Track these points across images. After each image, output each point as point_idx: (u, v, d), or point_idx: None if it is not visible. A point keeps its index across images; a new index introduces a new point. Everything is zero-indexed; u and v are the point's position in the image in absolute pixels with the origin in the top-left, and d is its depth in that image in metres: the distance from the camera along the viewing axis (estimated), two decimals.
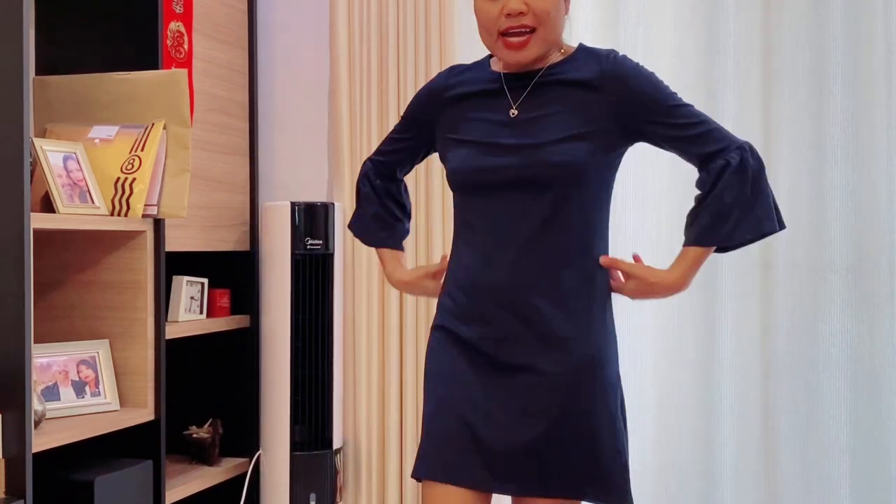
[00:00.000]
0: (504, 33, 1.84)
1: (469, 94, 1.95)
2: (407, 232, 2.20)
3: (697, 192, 1.91)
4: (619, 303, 3.05)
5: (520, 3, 1.81)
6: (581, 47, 1.94)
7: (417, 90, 2.11)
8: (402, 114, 2.13)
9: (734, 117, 2.99)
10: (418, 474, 1.92)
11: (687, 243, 1.90)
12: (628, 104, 1.87)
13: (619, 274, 1.92)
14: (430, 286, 2.11)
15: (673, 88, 1.82)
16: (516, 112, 1.89)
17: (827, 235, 2.93)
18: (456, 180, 1.93)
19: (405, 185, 2.20)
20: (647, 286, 1.91)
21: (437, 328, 1.98)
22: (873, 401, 2.91)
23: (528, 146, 1.85)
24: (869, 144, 2.90)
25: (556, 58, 1.91)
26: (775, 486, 2.99)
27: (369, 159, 2.17)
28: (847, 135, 2.91)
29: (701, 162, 1.89)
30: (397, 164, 2.14)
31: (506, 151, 1.86)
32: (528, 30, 1.83)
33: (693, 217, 1.90)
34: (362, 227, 2.19)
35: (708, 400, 3.02)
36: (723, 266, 3.00)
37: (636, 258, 1.94)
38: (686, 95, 2.97)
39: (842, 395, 2.93)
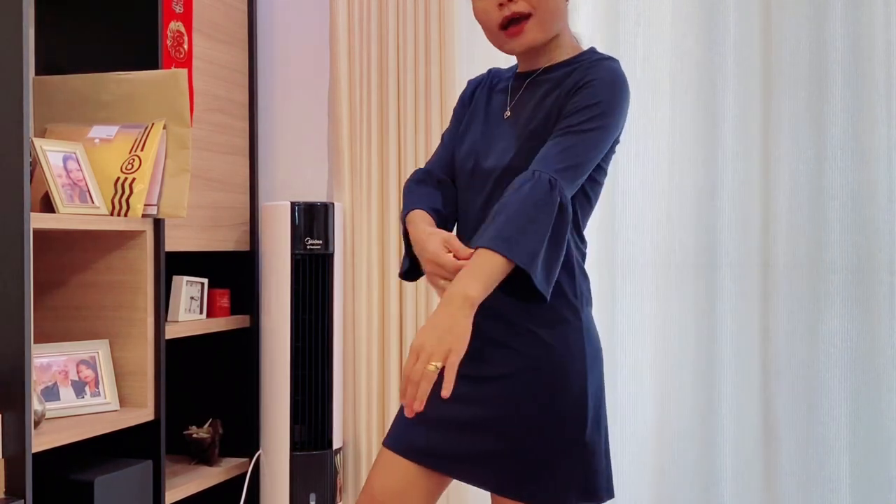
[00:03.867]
0: (502, 26, 1.82)
1: (493, 92, 1.96)
2: (446, 206, 1.93)
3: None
4: (618, 303, 3.07)
5: None
6: (591, 50, 1.89)
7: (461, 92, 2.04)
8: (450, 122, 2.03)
9: (734, 117, 2.99)
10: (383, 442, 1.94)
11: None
12: (570, 100, 1.78)
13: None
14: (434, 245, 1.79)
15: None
16: (509, 113, 1.89)
17: (827, 235, 2.93)
18: (457, 174, 1.95)
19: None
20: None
21: None
22: (873, 401, 2.91)
23: (506, 148, 1.84)
24: (869, 144, 2.90)
25: (560, 56, 1.88)
26: (775, 486, 2.99)
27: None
28: (847, 135, 2.91)
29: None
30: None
31: (487, 152, 1.87)
32: (523, 16, 1.80)
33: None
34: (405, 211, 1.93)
35: (708, 400, 3.02)
36: (723, 266, 3.00)
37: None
38: (686, 95, 3.02)
39: (842, 395, 2.93)
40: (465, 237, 1.86)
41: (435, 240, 1.77)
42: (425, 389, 1.59)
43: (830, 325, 2.94)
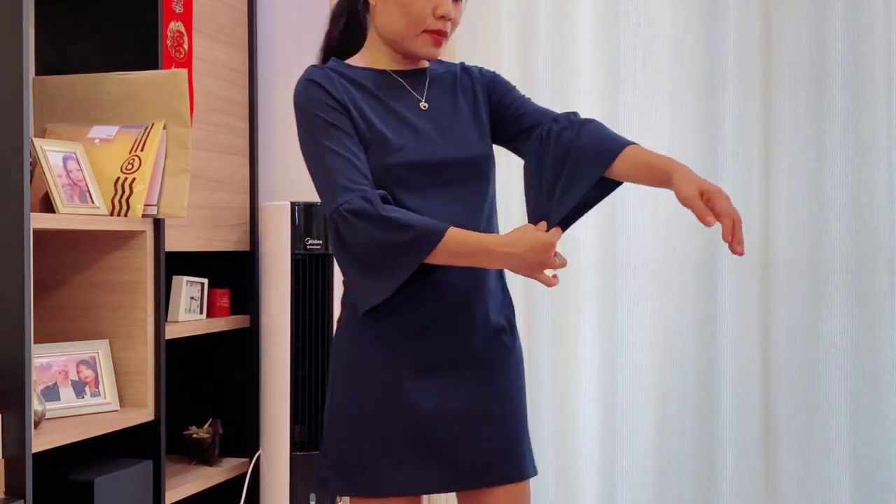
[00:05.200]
0: (428, 30, 1.90)
1: (363, 91, 1.92)
2: None
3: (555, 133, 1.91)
4: (618, 303, 3.07)
5: (452, 10, 1.89)
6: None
7: (302, 96, 1.98)
8: (325, 130, 1.92)
9: (734, 117, 2.99)
10: (338, 490, 1.90)
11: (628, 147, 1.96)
12: (497, 98, 1.99)
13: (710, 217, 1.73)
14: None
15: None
16: (426, 105, 1.93)
17: (827, 235, 2.93)
18: (394, 173, 1.85)
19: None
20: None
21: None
22: (873, 401, 2.91)
23: (468, 139, 1.92)
24: (869, 145, 2.90)
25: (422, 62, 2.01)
26: (775, 486, 2.99)
27: (354, 200, 1.80)
28: (847, 135, 2.91)
29: (554, 118, 1.94)
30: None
31: (431, 143, 1.88)
32: (445, 35, 1.92)
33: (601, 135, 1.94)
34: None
35: (708, 400, 3.02)
36: (723, 266, 3.00)
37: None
38: (686, 95, 3.02)
39: (842, 395, 2.93)
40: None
41: (529, 230, 1.81)
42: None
43: (830, 325, 2.94)
